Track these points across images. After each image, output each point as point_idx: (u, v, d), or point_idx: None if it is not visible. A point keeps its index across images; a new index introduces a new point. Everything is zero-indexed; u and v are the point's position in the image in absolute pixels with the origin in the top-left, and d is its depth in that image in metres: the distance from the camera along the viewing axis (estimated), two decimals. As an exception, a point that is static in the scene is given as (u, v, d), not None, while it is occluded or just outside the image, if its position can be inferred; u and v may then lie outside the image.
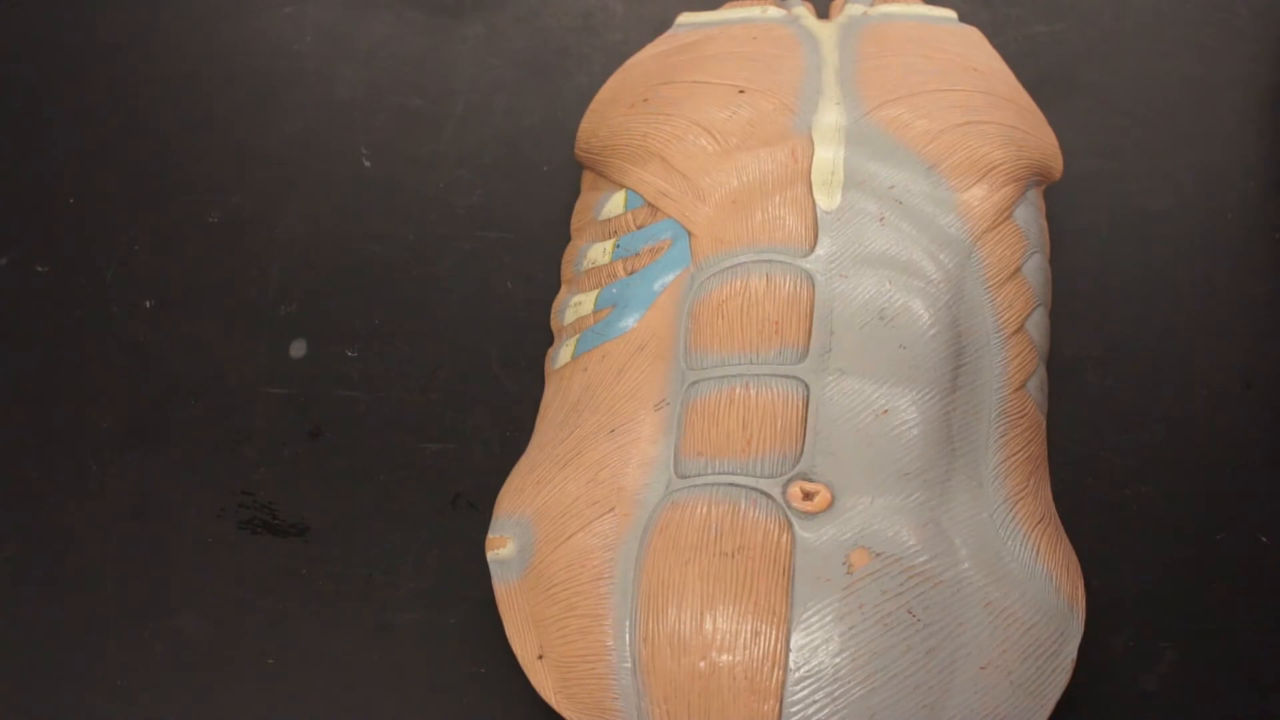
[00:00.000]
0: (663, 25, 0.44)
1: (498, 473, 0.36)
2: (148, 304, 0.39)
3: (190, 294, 0.39)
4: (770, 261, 0.33)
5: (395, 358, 0.38)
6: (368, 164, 0.42)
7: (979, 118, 0.36)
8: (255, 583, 0.35)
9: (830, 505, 0.31)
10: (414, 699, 0.34)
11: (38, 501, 0.36)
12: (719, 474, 0.31)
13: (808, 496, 0.31)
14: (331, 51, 0.44)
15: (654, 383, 0.33)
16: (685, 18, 0.40)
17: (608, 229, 0.36)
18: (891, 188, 0.34)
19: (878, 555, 0.30)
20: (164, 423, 0.37)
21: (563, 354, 0.35)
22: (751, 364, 0.32)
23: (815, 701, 0.29)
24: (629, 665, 0.30)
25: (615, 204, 0.36)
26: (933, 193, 0.34)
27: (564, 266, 0.37)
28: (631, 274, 0.35)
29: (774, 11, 0.39)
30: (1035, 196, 0.37)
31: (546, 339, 0.38)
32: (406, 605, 0.35)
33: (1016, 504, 0.32)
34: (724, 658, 0.29)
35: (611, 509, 0.32)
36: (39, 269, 0.40)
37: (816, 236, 0.33)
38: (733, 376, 0.32)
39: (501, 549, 0.33)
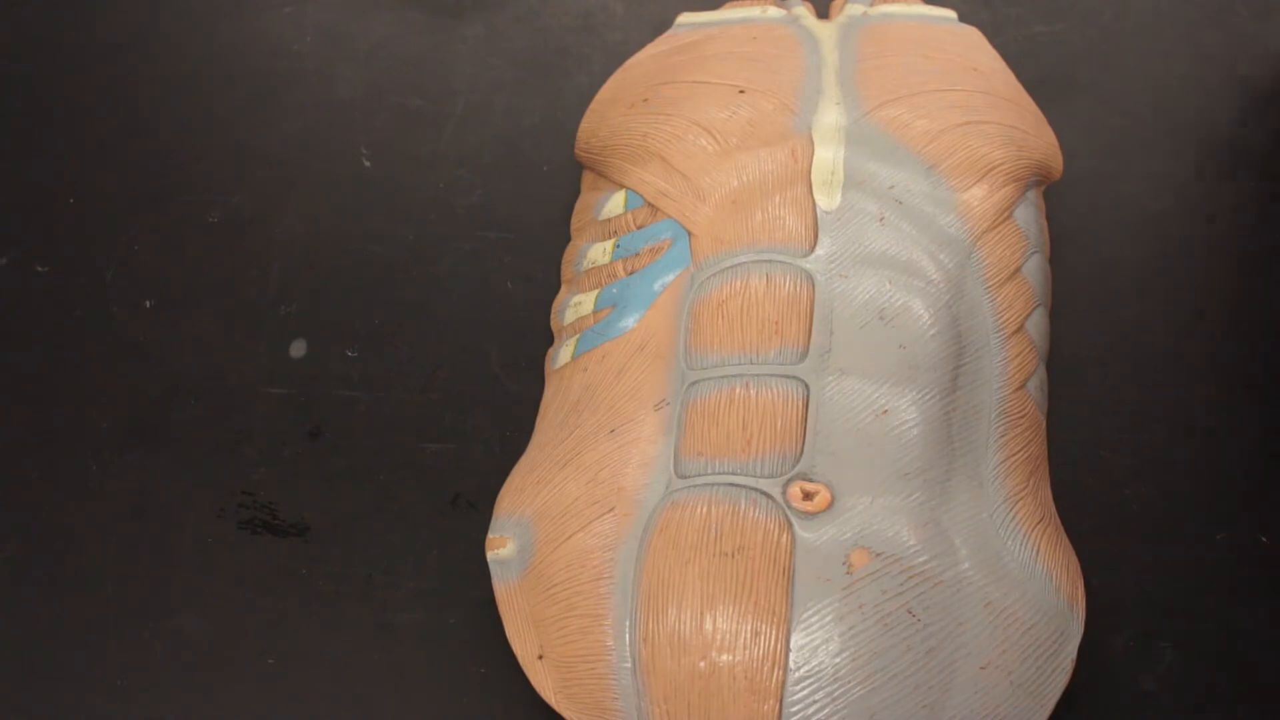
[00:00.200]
0: (663, 25, 0.44)
1: (498, 473, 0.36)
2: (148, 304, 0.39)
3: (190, 294, 0.39)
4: (770, 261, 0.33)
5: (395, 358, 0.38)
6: (368, 164, 0.42)
7: (979, 118, 0.36)
8: (255, 583, 0.35)
9: (830, 505, 0.31)
10: (414, 699, 0.34)
11: (38, 501, 0.36)
12: (719, 474, 0.31)
13: (808, 496, 0.31)
14: (331, 51, 0.44)
15: (654, 383, 0.33)
16: (685, 18, 0.40)
17: (608, 229, 0.36)
18: (891, 188, 0.34)
19: (878, 555, 0.30)
20: (164, 423, 0.37)
21: (563, 354, 0.35)
22: (751, 364, 0.32)
23: (815, 701, 0.29)
24: (629, 665, 0.30)
25: (615, 204, 0.36)
26: (933, 193, 0.34)
27: (564, 266, 0.37)
28: (631, 274, 0.35)
29: (774, 11, 0.39)
30: (1035, 196, 0.37)
31: (546, 339, 0.38)
32: (406, 605, 0.35)
33: (1016, 504, 0.32)
34: (724, 658, 0.29)
35: (611, 509, 0.32)
36: (39, 269, 0.40)
37: (816, 236, 0.33)
38: (733, 376, 0.32)
39: (501, 549, 0.33)
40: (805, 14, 0.39)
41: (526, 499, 0.33)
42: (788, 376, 0.32)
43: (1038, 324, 0.35)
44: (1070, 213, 0.40)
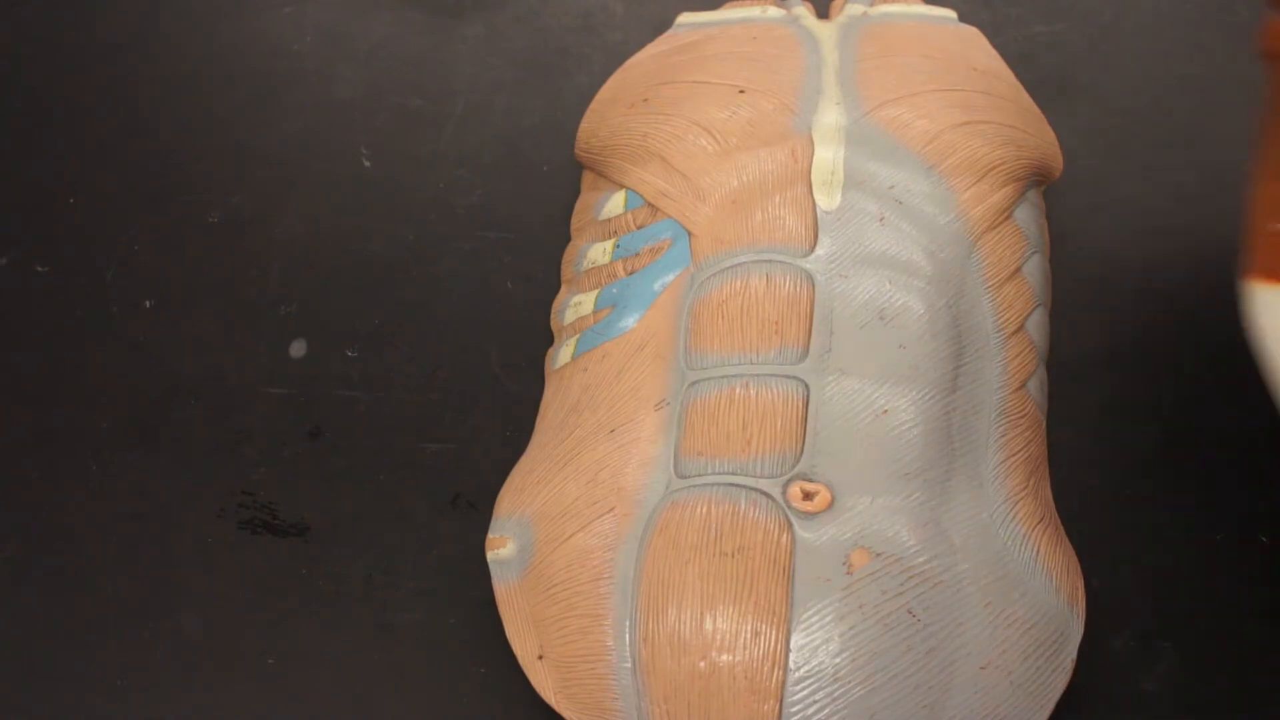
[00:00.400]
0: (663, 25, 0.44)
1: (498, 473, 0.36)
2: (148, 304, 0.39)
3: (190, 294, 0.39)
4: (770, 261, 0.33)
5: (395, 358, 0.38)
6: (368, 164, 0.42)
7: (979, 118, 0.36)
8: (255, 583, 0.35)
9: (830, 505, 0.31)
10: (414, 699, 0.34)
11: (38, 501, 0.36)
12: (719, 474, 0.31)
13: (808, 496, 0.31)
14: (331, 51, 0.44)
15: (654, 382, 0.33)
16: (685, 18, 0.40)
17: (608, 229, 0.36)
18: (891, 188, 0.34)
19: (878, 555, 0.30)
20: (164, 423, 0.37)
21: (563, 354, 0.35)
22: (751, 364, 0.32)
23: (815, 701, 0.29)
24: (629, 665, 0.30)
25: (615, 204, 0.36)
26: (933, 193, 0.34)
27: (564, 266, 0.37)
28: (631, 274, 0.35)
29: (774, 11, 0.39)
30: (1035, 196, 0.37)
31: (546, 339, 0.38)
32: (406, 605, 0.35)
33: (1016, 504, 0.32)
34: (724, 658, 0.29)
35: (611, 509, 0.32)
36: (39, 269, 0.40)
37: (816, 236, 0.33)
38: (733, 376, 0.32)
39: (501, 549, 0.33)
40: (805, 14, 0.39)
41: (526, 499, 0.33)
42: (788, 376, 0.32)
43: (1038, 324, 0.35)
44: (1070, 213, 0.40)
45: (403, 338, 0.39)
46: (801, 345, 0.32)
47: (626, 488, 0.32)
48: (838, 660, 0.29)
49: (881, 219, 0.34)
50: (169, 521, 0.36)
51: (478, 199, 0.41)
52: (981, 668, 0.30)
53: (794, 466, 0.31)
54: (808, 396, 0.32)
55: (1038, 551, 0.32)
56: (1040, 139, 0.37)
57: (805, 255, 0.33)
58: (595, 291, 0.35)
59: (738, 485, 0.31)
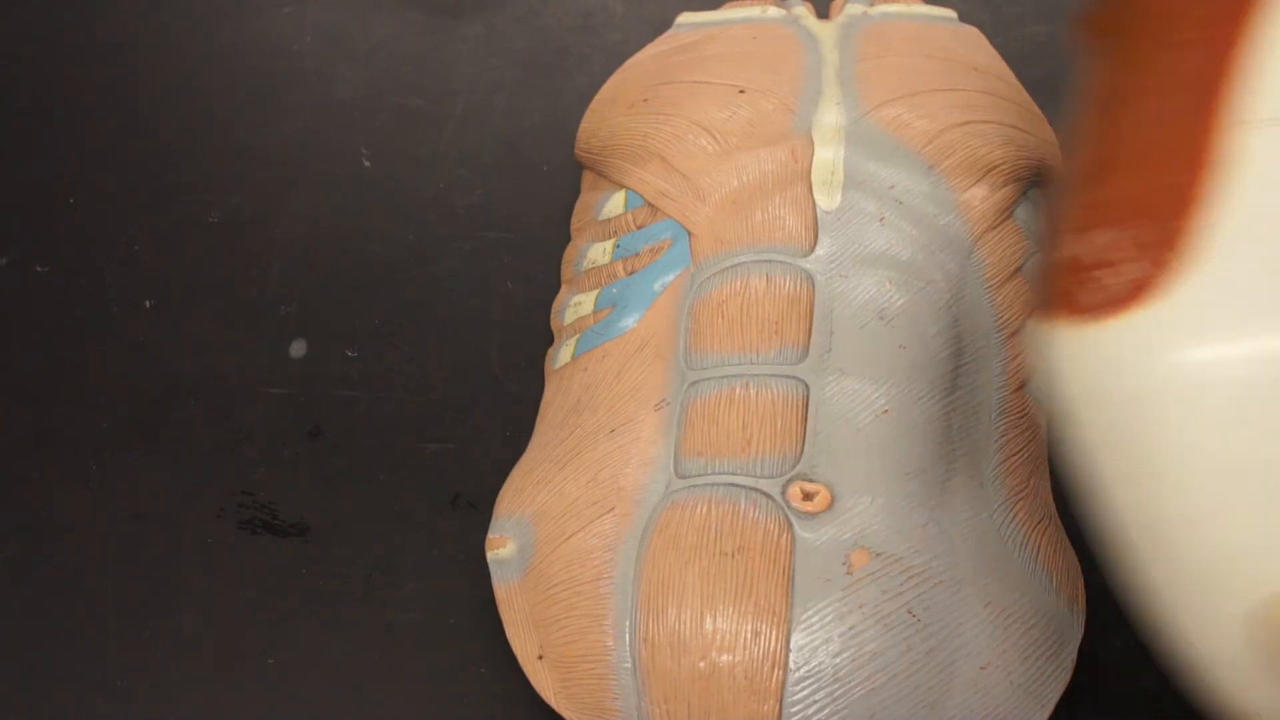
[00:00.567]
0: (663, 25, 0.44)
1: (498, 473, 0.36)
2: (148, 304, 0.39)
3: (190, 294, 0.39)
4: (770, 261, 0.33)
5: (395, 358, 0.38)
6: (368, 164, 0.42)
7: (979, 117, 0.36)
8: (255, 583, 0.35)
9: (830, 505, 0.31)
10: (414, 699, 0.34)
11: (38, 501, 0.36)
12: (719, 474, 0.31)
13: (808, 496, 0.31)
14: (331, 51, 0.44)
15: (654, 382, 0.33)
16: (685, 18, 0.40)
17: (608, 229, 0.36)
18: (891, 188, 0.34)
19: (878, 555, 0.30)
20: (164, 423, 0.37)
21: (563, 354, 0.35)
22: (751, 364, 0.32)
23: (815, 701, 0.29)
24: (629, 665, 0.30)
25: (615, 204, 0.36)
26: (933, 193, 0.34)
27: (564, 266, 0.37)
28: (631, 274, 0.35)
29: (774, 11, 0.39)
30: (1036, 196, 0.37)
31: (546, 339, 0.38)
32: (406, 605, 0.35)
33: (1016, 504, 0.32)
34: (724, 658, 0.29)
35: (611, 509, 0.32)
36: (39, 269, 0.40)
37: (816, 236, 0.33)
38: (733, 376, 0.32)
39: (501, 549, 0.33)
40: (805, 14, 0.39)
41: (526, 499, 0.33)
42: (788, 376, 0.32)
43: (1038, 324, 0.35)
44: (1070, 213, 0.40)
45: (403, 338, 0.39)
46: (801, 345, 0.32)
47: (626, 488, 0.32)
48: (838, 660, 0.29)
49: (881, 219, 0.34)
50: (169, 521, 0.36)
51: (478, 199, 0.41)
52: (981, 668, 0.30)
53: (794, 466, 0.31)
54: (808, 396, 0.32)
55: (1038, 551, 0.32)
56: (1040, 139, 0.37)
57: (805, 255, 0.33)
58: (595, 291, 0.35)
59: (737, 485, 0.31)
